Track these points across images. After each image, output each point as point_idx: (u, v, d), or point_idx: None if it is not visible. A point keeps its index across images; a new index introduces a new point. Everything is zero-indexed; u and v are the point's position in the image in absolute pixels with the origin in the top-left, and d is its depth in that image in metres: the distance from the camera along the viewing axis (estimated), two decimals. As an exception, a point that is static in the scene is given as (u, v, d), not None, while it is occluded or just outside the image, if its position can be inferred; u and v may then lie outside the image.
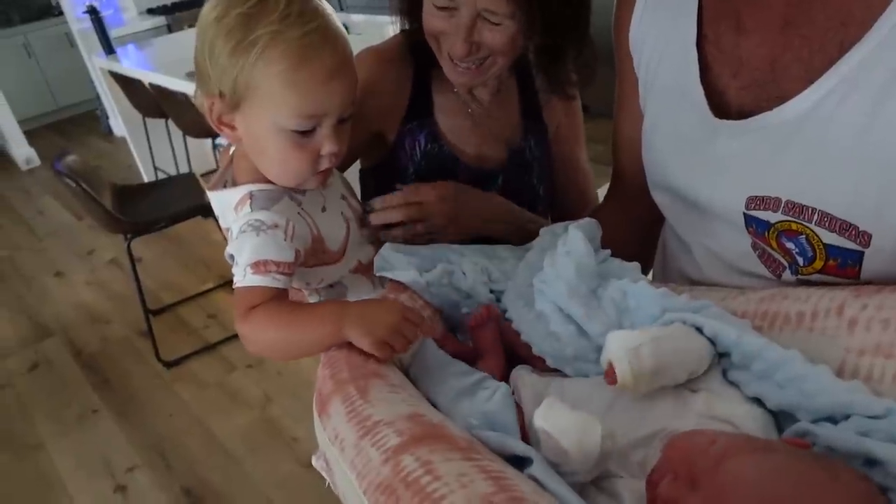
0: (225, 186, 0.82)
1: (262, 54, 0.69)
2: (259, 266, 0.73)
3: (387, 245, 0.86)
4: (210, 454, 2.28)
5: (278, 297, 0.74)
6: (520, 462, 0.55)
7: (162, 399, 2.57)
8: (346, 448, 0.55)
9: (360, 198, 1.12)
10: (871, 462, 0.47)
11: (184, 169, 3.84)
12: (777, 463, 0.47)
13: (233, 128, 0.77)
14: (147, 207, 2.74)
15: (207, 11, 0.72)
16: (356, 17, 3.98)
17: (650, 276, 1.03)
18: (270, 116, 0.73)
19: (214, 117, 0.77)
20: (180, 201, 2.73)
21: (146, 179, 4.19)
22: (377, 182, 1.08)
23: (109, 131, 5.68)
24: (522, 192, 1.08)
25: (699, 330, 0.62)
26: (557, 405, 0.56)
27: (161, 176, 4.05)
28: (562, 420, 0.54)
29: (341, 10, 5.09)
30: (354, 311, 0.72)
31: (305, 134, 0.75)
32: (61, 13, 5.27)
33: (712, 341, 0.61)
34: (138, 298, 2.73)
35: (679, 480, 0.49)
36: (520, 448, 0.54)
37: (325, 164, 0.78)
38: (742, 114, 0.68)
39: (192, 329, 2.96)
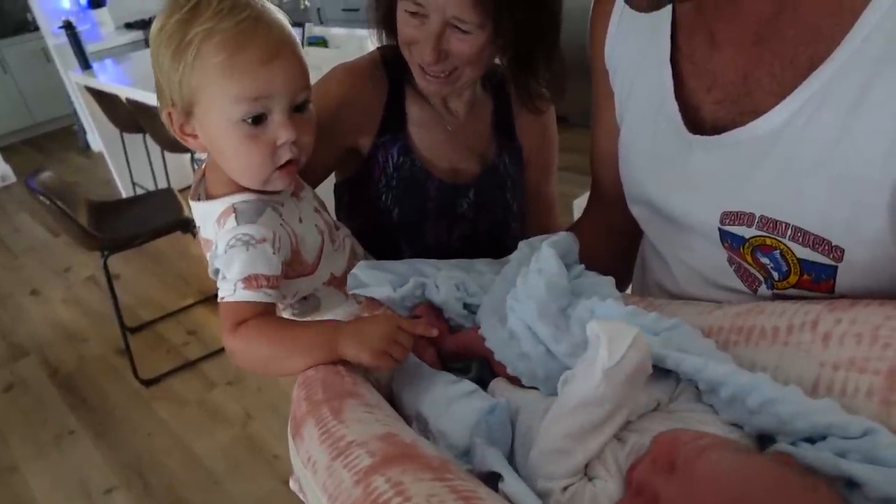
0: (199, 199, 0.82)
1: (199, 52, 0.70)
2: (250, 281, 0.73)
3: (360, 263, 0.86)
4: (190, 473, 2.24)
5: (268, 311, 0.75)
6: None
7: (140, 418, 2.53)
8: (318, 470, 0.54)
9: (335, 210, 1.12)
10: (851, 484, 0.47)
11: (162, 184, 3.80)
12: (756, 464, 0.47)
13: (195, 136, 0.78)
14: (125, 223, 2.70)
15: (153, 25, 0.74)
16: (336, 31, 3.98)
17: (630, 288, 1.03)
18: (218, 112, 0.73)
19: (176, 128, 0.78)
20: (158, 216, 2.70)
21: (124, 195, 4.15)
22: (350, 196, 1.09)
23: (87, 147, 5.62)
24: (495, 208, 1.09)
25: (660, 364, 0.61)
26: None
27: (139, 191, 4.01)
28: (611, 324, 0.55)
29: (321, 23, 5.09)
30: (349, 329, 0.73)
31: (257, 124, 0.74)
32: (37, 28, 5.21)
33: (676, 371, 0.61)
34: (115, 316, 2.69)
35: (657, 465, 0.49)
36: (496, 464, 0.54)
37: (284, 156, 0.77)
38: (716, 129, 0.68)
39: (171, 346, 2.92)
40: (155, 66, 0.75)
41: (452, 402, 0.65)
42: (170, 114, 0.77)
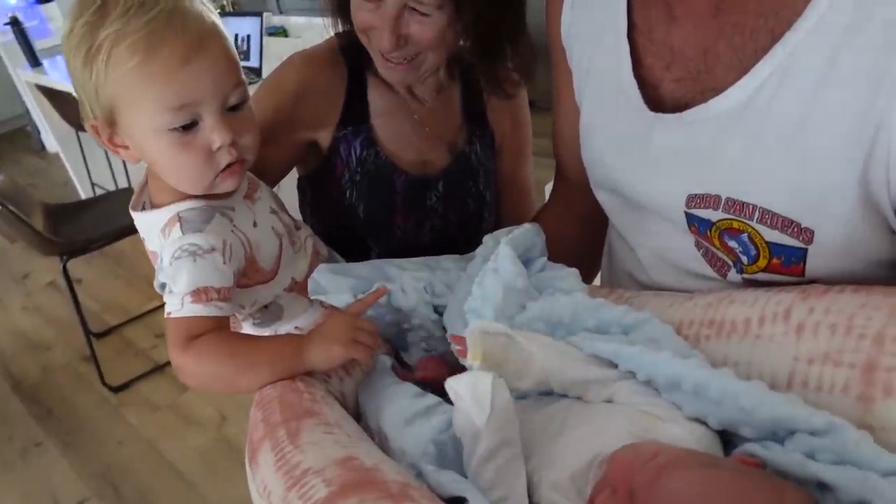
0: (143, 209, 0.76)
1: (110, 58, 0.64)
2: (199, 294, 0.68)
3: (321, 267, 0.82)
4: (164, 480, 2.19)
5: (221, 325, 0.70)
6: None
7: (110, 426, 2.46)
8: (273, 502, 0.51)
9: (298, 206, 1.07)
10: (822, 486, 0.45)
11: (123, 184, 3.69)
12: (720, 480, 0.45)
13: (126, 147, 0.72)
14: (84, 225, 2.62)
15: (63, 29, 0.67)
16: (295, 20, 3.90)
17: (598, 277, 1.00)
18: (142, 121, 0.67)
19: (104, 140, 0.71)
20: (119, 217, 2.61)
21: (83, 196, 4.02)
22: (313, 191, 1.04)
23: (42, 147, 5.43)
24: (467, 199, 1.05)
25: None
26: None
27: (99, 192, 3.89)
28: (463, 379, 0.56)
29: (280, 12, 4.98)
30: (310, 336, 0.71)
31: (187, 130, 0.68)
32: (-18, 26, 5.02)
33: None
34: (79, 322, 2.61)
35: (617, 495, 0.46)
36: (455, 487, 0.51)
37: (224, 160, 0.71)
38: (677, 107, 0.66)
39: (139, 350, 2.84)
40: (70, 75, 0.68)
41: (411, 421, 0.62)
42: (94, 126, 0.70)
